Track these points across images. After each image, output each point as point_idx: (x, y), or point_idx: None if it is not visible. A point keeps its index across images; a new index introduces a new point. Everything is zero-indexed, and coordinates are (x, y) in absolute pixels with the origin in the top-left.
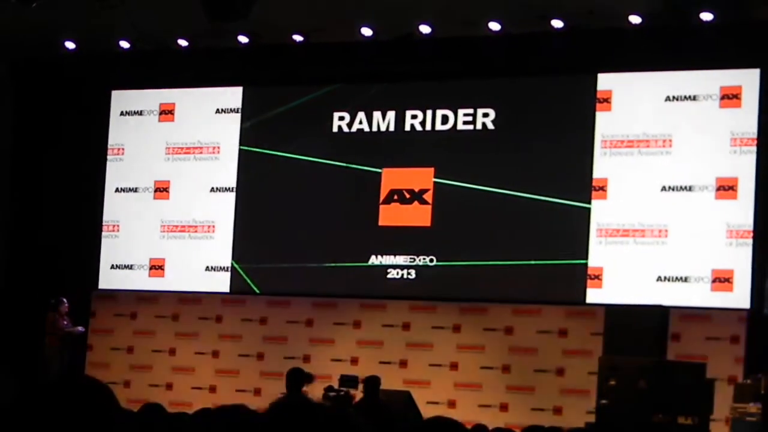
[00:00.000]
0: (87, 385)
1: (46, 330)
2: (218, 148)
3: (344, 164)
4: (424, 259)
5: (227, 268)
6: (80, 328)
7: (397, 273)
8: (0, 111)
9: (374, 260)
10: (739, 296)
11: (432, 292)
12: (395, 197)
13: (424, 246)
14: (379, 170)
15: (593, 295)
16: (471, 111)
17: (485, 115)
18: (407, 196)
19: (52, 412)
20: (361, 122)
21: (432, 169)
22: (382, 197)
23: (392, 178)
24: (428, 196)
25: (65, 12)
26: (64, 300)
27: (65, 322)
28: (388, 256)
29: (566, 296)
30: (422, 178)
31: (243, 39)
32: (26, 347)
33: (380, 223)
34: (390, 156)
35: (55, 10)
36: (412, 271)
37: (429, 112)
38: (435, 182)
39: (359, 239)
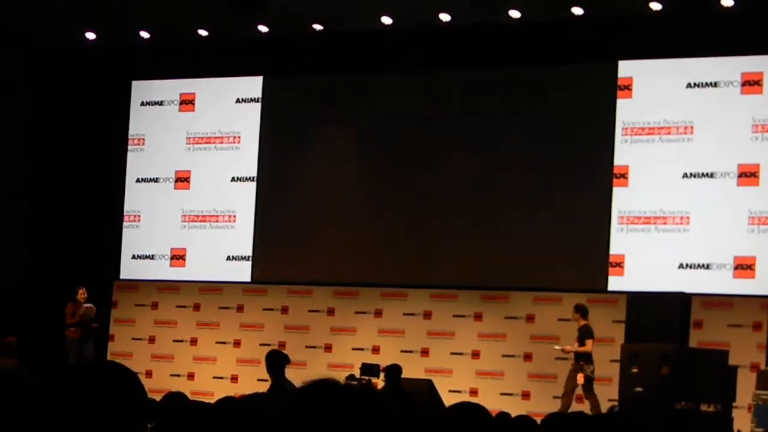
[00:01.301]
0: (110, 368)
1: (66, 321)
2: (239, 137)
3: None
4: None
5: (248, 257)
6: (88, 305)
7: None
8: (22, 103)
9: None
10: (762, 283)
11: (453, 280)
12: None
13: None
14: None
15: (615, 283)
16: (492, 99)
17: (505, 102)
18: None
19: (75, 396)
20: (381, 110)
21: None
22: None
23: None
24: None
25: (86, 3)
26: (80, 289)
27: (84, 312)
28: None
29: (588, 284)
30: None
31: (263, 28)
32: (49, 340)
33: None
34: (411, 143)
35: (76, 1)
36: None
37: (449, 100)
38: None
39: (381, 228)
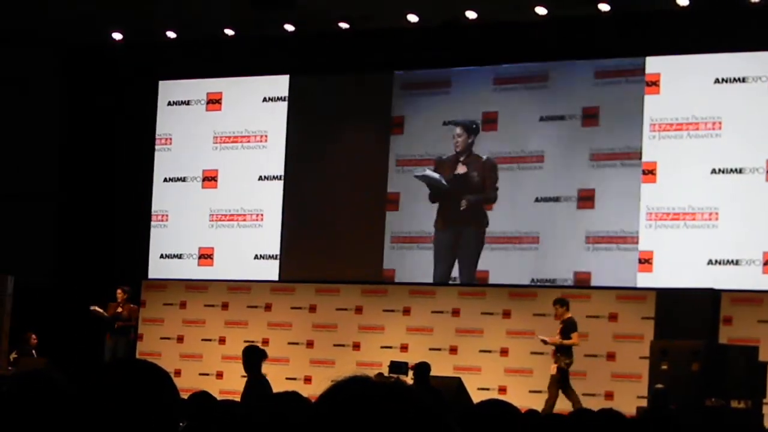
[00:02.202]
0: (142, 367)
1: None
2: (266, 136)
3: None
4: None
5: (276, 256)
6: (130, 305)
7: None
8: (50, 102)
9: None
10: None
11: (478, 279)
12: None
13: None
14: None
15: (644, 279)
16: (518, 95)
17: (533, 98)
18: None
19: (109, 395)
20: (409, 107)
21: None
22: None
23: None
24: None
25: (112, 3)
26: (118, 290)
27: (119, 312)
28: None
29: (616, 280)
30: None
31: (289, 27)
32: (77, 339)
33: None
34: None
35: (103, 2)
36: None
37: (476, 97)
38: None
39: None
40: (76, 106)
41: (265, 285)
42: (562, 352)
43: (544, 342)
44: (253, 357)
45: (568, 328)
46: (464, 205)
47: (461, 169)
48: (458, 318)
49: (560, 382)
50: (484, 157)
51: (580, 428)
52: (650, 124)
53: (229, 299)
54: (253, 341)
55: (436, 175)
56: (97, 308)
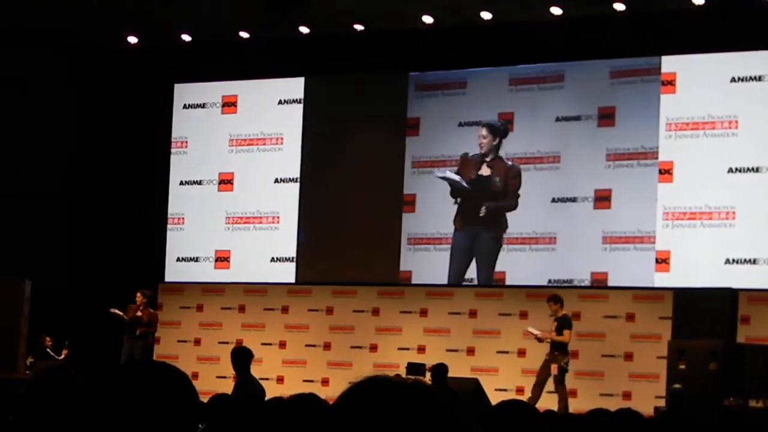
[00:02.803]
0: (161, 369)
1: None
2: (281, 138)
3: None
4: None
5: (292, 258)
6: (150, 310)
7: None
8: (65, 105)
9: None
10: None
11: (496, 280)
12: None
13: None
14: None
15: (661, 279)
16: (534, 96)
17: (548, 99)
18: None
19: (127, 396)
20: (424, 108)
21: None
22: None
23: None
24: None
25: (127, 6)
26: (138, 293)
27: (138, 315)
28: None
29: (634, 280)
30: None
31: (304, 29)
32: (93, 341)
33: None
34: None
35: (118, 5)
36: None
37: (491, 98)
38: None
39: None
40: (92, 109)
41: (282, 287)
42: (559, 351)
43: (534, 335)
44: (241, 358)
45: (562, 325)
46: (483, 212)
47: (485, 171)
48: (475, 319)
49: (560, 382)
50: (510, 163)
51: (599, 428)
52: (666, 124)
53: (246, 302)
54: (270, 343)
55: (457, 177)
56: (116, 311)
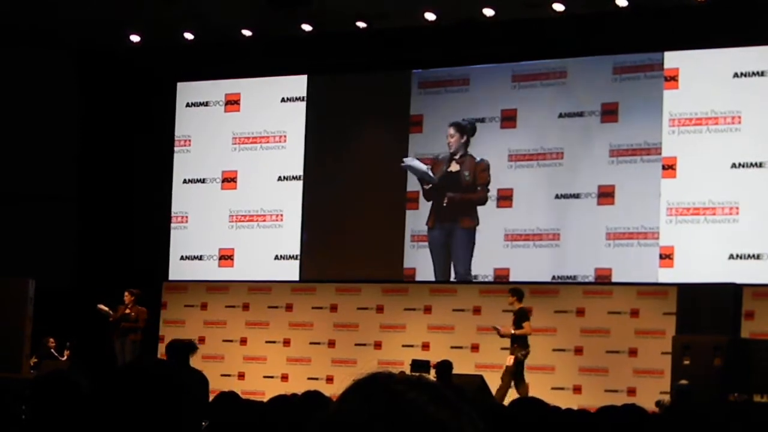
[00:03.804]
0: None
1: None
2: (284, 136)
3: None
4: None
5: (296, 256)
6: (139, 308)
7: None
8: (68, 104)
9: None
10: None
11: (499, 276)
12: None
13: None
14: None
15: (665, 275)
16: (537, 92)
17: (551, 95)
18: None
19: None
20: (427, 106)
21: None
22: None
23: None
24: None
25: (130, 5)
26: (126, 292)
27: (127, 313)
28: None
29: (637, 276)
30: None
31: (306, 27)
32: (98, 341)
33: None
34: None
35: (120, 3)
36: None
37: (494, 94)
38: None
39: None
40: (95, 108)
41: (286, 285)
42: (518, 343)
43: (497, 331)
44: (177, 351)
45: (520, 318)
46: (446, 202)
47: (454, 167)
48: (479, 316)
49: (514, 374)
50: (478, 158)
51: (605, 424)
52: (669, 119)
53: (250, 300)
54: (274, 341)
55: (423, 166)
56: (103, 306)
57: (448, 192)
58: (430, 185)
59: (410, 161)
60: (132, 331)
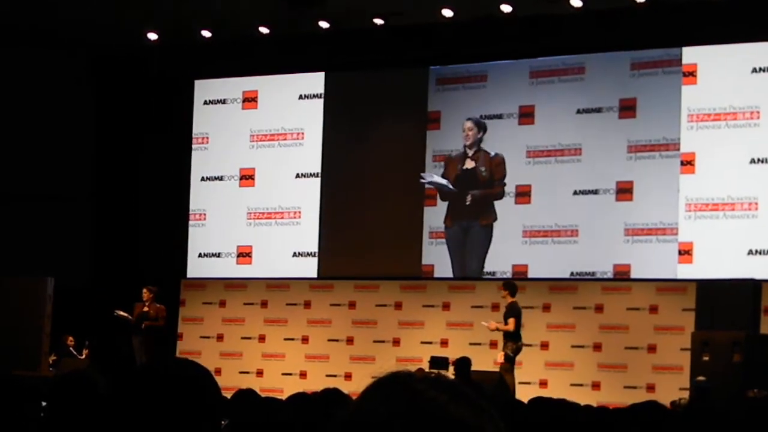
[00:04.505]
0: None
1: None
2: (302, 134)
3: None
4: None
5: (314, 253)
6: (157, 305)
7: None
8: (86, 103)
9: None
10: None
11: (518, 273)
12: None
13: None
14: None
15: (684, 271)
16: (555, 88)
17: (569, 91)
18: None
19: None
20: (445, 102)
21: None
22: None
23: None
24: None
25: (147, 3)
26: (144, 289)
27: (145, 311)
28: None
29: (656, 272)
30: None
31: (324, 24)
32: (117, 341)
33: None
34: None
35: (138, 2)
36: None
37: (512, 91)
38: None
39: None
40: (112, 106)
41: (304, 282)
42: (509, 339)
43: (488, 327)
44: (114, 329)
45: (509, 313)
46: (469, 200)
47: (469, 164)
48: (498, 312)
49: (507, 370)
50: (492, 153)
51: (625, 421)
52: (688, 115)
53: (268, 297)
54: (292, 339)
55: (443, 181)
56: (120, 312)
57: (469, 190)
58: (450, 194)
59: (429, 176)
60: (154, 330)
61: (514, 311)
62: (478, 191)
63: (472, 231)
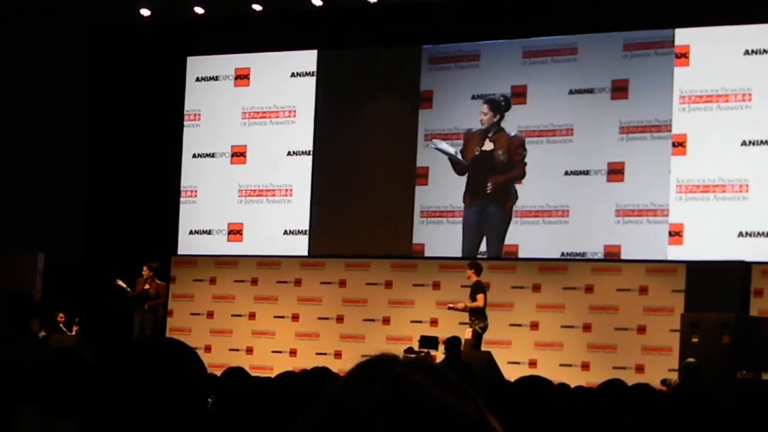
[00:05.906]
0: (168, 345)
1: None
2: (294, 111)
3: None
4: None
5: (305, 231)
6: (158, 282)
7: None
8: (77, 79)
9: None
10: None
11: (508, 253)
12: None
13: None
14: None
15: (674, 252)
16: (547, 69)
17: (562, 71)
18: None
19: (136, 373)
20: (437, 81)
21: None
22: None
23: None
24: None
25: None
26: (146, 266)
27: (146, 289)
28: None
29: (647, 253)
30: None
31: (317, 2)
32: (107, 316)
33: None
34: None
35: None
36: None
37: (505, 70)
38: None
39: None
40: (105, 82)
41: (295, 260)
42: (476, 316)
43: (454, 308)
44: (19, 312)
45: (475, 290)
46: (490, 188)
47: (488, 145)
48: (488, 292)
49: (473, 347)
50: (512, 134)
51: (613, 402)
52: (680, 96)
53: (259, 275)
54: (283, 316)
55: (451, 149)
56: (121, 282)
57: (485, 174)
58: (460, 165)
59: (438, 143)
60: (155, 309)
61: (481, 288)
62: (499, 177)
63: (489, 212)
